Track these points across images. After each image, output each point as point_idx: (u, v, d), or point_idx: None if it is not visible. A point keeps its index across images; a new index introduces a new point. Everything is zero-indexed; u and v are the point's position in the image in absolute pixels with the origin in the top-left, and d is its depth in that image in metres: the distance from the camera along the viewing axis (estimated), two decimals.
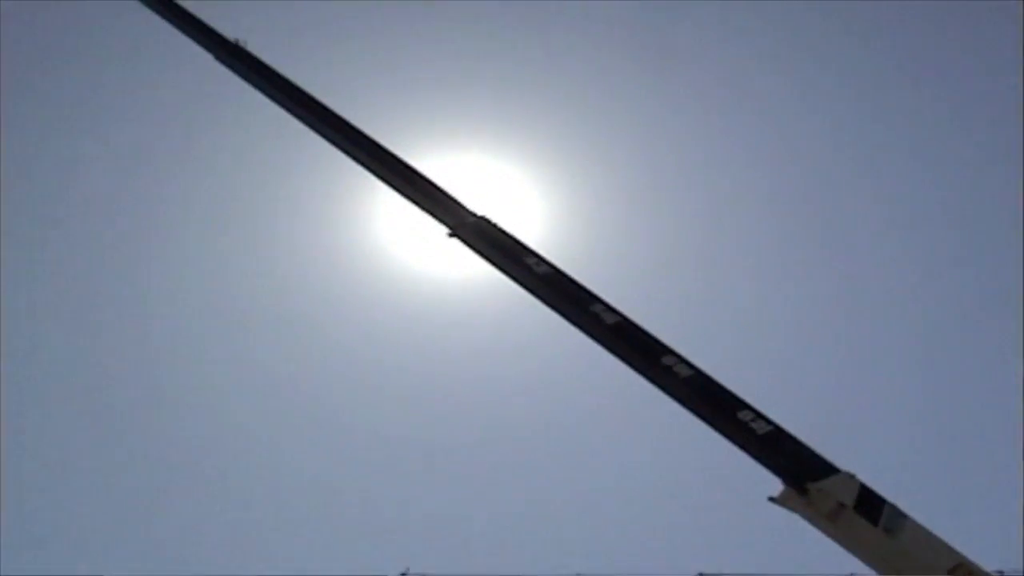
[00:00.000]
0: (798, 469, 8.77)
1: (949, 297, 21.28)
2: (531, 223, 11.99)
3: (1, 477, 20.31)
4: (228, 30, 15.01)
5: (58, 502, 21.06)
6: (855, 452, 9.46)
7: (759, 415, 9.25)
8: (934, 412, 19.79)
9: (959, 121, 22.41)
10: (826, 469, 8.79)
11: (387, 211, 15.85)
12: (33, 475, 21.20)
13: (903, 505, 8.57)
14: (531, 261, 10.85)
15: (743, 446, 9.13)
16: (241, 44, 14.65)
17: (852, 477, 8.72)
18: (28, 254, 23.13)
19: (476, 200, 11.70)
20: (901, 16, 22.88)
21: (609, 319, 10.16)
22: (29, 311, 22.73)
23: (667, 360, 9.74)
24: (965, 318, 20.59)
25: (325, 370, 21.84)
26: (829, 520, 8.49)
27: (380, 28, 24.06)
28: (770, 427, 9.14)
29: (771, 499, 8.82)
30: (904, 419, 19.64)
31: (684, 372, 9.63)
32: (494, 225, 11.29)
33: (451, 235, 11.41)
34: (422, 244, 14.15)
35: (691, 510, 18.97)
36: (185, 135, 23.61)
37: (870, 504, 8.50)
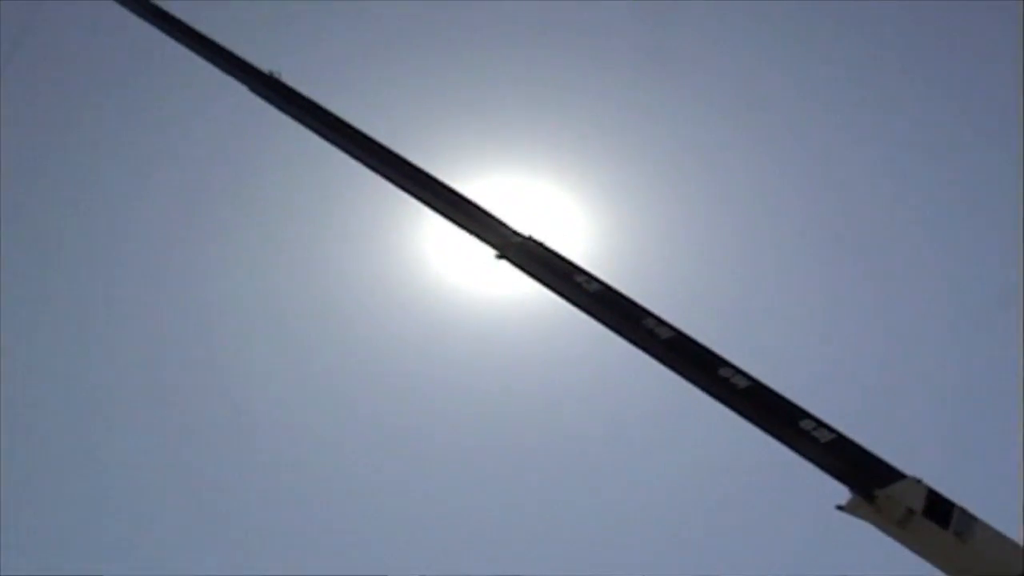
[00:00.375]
0: (864, 476, 8.74)
1: (948, 297, 21.23)
2: (576, 241, 11.99)
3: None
4: (267, 55, 15.36)
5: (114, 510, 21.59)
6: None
7: (820, 423, 9.26)
8: (932, 412, 19.71)
9: (958, 121, 22.38)
10: (892, 475, 8.80)
11: (433, 234, 15.99)
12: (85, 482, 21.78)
13: None
14: (581, 279, 10.89)
15: (807, 455, 9.13)
16: (276, 75, 14.86)
17: (919, 482, 8.69)
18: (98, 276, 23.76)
19: (521, 220, 11.81)
20: (901, 16, 22.88)
21: (663, 334, 10.18)
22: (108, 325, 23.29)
23: (724, 372, 9.75)
24: (965, 318, 20.55)
25: (376, 390, 22.03)
26: (899, 526, 8.48)
27: (419, 52, 24.26)
28: (833, 435, 9.13)
29: (839, 507, 8.83)
30: (902, 418, 19.55)
31: (742, 383, 9.64)
32: (541, 245, 11.33)
33: (498, 257, 11.49)
34: (469, 265, 14.27)
35: (755, 520, 19.00)
36: (230, 162, 24.01)
37: (939, 508, 8.46)
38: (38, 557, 20.38)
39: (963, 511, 8.53)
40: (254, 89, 14.85)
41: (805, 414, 9.34)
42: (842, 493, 9.02)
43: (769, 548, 18.64)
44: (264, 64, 15.10)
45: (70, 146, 24.58)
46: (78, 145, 24.58)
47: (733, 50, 23.35)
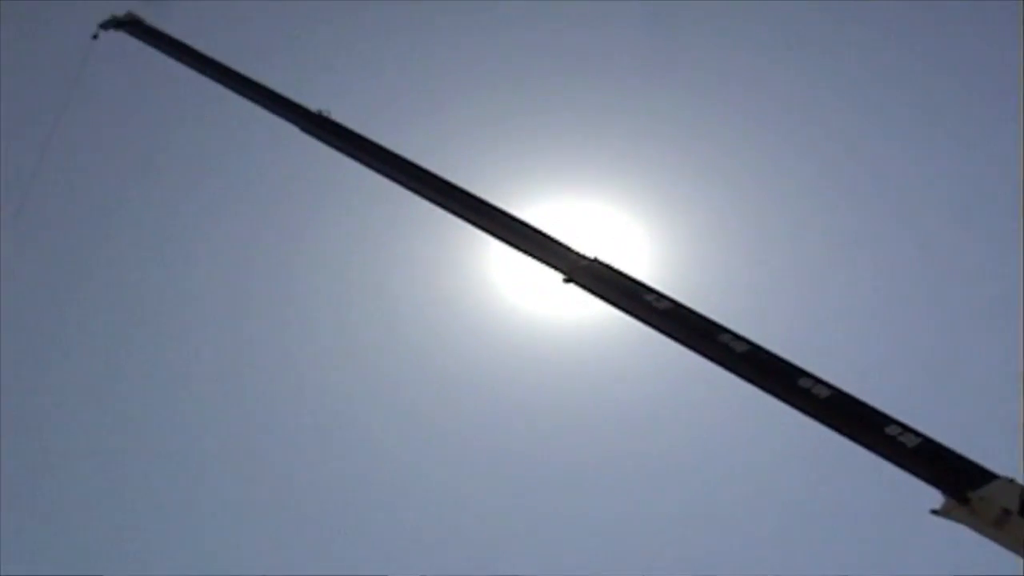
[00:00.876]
0: (956, 479, 8.74)
1: (948, 297, 21.24)
2: (634, 259, 12.05)
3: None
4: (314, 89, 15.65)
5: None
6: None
7: (906, 428, 9.27)
8: (931, 410, 19.65)
9: (959, 121, 22.44)
10: (984, 476, 8.79)
11: (498, 261, 16.21)
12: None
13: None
14: (650, 298, 10.91)
15: (895, 461, 9.14)
16: (325, 114, 15.08)
17: (1012, 481, 8.64)
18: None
19: (584, 243, 11.89)
20: (900, 16, 22.99)
21: (739, 347, 10.21)
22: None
23: (803, 382, 9.76)
24: (965, 317, 20.56)
25: (456, 412, 22.38)
26: (996, 527, 8.47)
27: (467, 82, 24.70)
28: (919, 439, 9.15)
29: (933, 512, 8.83)
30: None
31: (823, 393, 9.63)
32: (608, 266, 11.39)
33: (567, 280, 11.56)
34: (538, 289, 14.40)
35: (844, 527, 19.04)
36: (304, 200, 24.72)
37: None
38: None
39: None
40: (305, 129, 15.07)
41: (890, 420, 9.35)
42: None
43: (861, 553, 18.64)
44: (312, 103, 15.39)
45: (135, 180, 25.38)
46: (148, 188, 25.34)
47: (789, 69, 23.52)
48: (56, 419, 23.33)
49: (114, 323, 24.45)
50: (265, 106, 15.75)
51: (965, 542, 8.98)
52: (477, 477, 21.21)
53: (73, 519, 22.23)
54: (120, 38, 19.52)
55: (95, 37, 19.75)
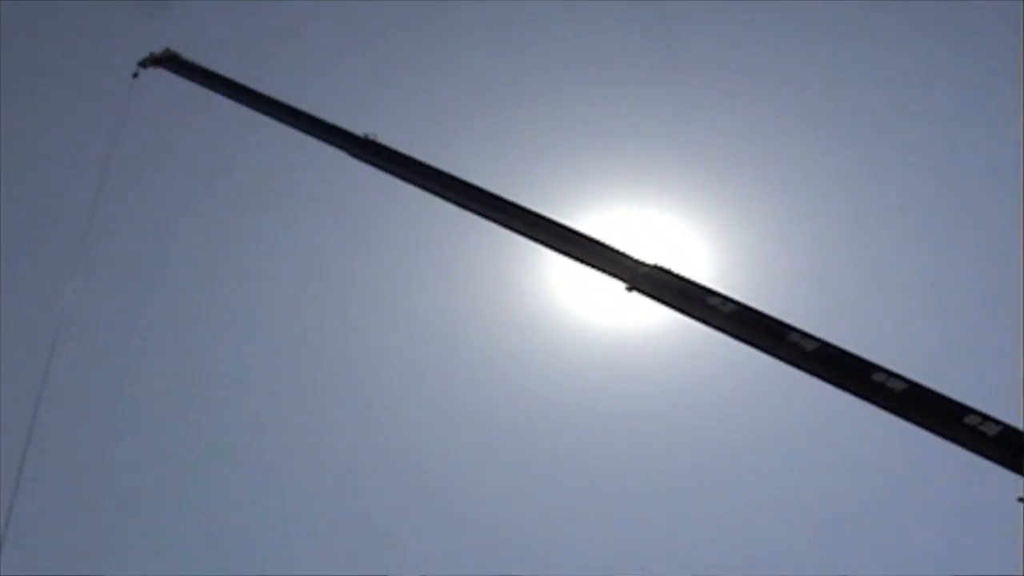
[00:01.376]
0: None
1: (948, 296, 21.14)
2: (699, 269, 12.13)
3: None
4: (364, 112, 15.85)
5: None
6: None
7: (986, 416, 9.24)
8: None
9: (957, 121, 22.36)
10: None
11: (557, 273, 16.33)
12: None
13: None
14: (715, 301, 10.92)
15: (978, 450, 9.12)
16: (372, 137, 15.25)
17: None
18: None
19: (642, 251, 11.93)
20: (900, 16, 22.98)
21: (809, 346, 10.22)
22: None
23: (878, 377, 9.76)
24: (965, 317, 20.47)
25: (523, 425, 22.50)
26: None
27: (511, 95, 24.93)
28: (1000, 427, 9.11)
29: (1021, 499, 8.85)
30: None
31: (898, 386, 9.64)
32: (670, 272, 11.44)
33: (629, 289, 11.62)
34: (600, 299, 14.49)
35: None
36: (364, 222, 25.06)
37: None
38: None
39: None
40: (354, 154, 15.26)
41: (968, 409, 9.33)
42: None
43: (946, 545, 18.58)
44: (358, 128, 15.58)
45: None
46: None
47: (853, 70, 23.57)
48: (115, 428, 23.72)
49: (170, 346, 24.83)
50: (309, 133, 15.97)
51: None
52: (548, 488, 21.31)
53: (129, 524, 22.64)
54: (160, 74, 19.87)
55: (135, 76, 20.06)
